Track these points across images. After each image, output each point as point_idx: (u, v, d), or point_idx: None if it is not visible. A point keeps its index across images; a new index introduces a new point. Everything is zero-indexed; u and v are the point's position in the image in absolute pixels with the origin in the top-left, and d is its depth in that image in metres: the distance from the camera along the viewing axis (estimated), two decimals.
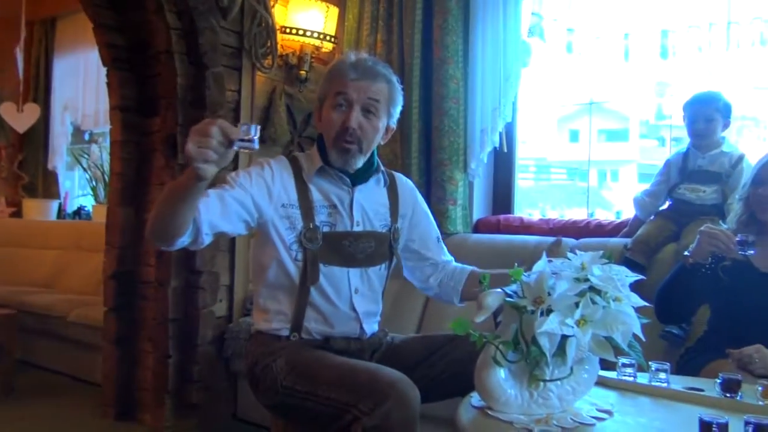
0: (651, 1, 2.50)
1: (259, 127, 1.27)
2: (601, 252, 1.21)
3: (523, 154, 3.35)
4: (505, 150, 2.91)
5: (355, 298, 1.69)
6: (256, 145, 1.27)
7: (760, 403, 1.27)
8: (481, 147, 2.84)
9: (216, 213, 1.50)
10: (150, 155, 2.89)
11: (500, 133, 2.84)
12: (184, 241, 1.47)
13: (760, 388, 1.29)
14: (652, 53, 2.50)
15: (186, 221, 1.43)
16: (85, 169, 4.96)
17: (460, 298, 1.80)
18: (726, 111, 2.24)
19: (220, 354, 2.80)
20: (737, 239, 1.67)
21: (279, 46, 2.96)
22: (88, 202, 5.15)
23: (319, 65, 3.17)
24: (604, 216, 2.99)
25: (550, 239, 2.46)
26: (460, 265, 1.84)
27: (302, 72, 3.04)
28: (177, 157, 2.71)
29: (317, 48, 3.05)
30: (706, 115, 2.23)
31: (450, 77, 2.82)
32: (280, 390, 1.56)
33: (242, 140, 1.25)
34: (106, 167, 4.20)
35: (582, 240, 2.50)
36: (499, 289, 1.21)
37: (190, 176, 1.28)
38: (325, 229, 1.65)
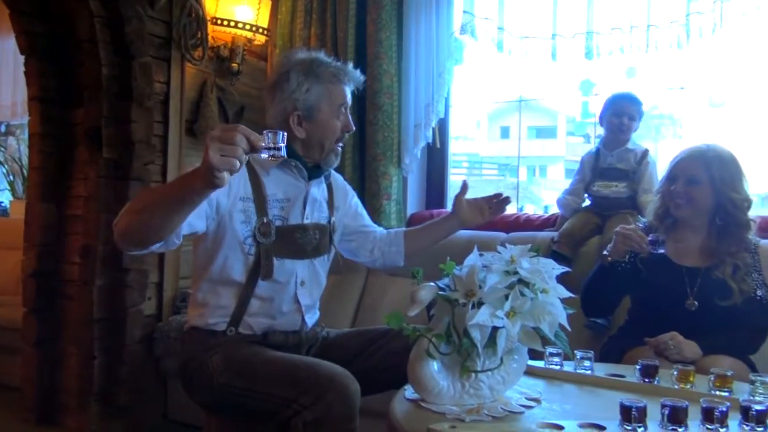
0: (577, 3, 2.58)
1: (285, 134, 1.19)
2: (530, 245, 1.25)
3: (456, 150, 3.40)
4: (438, 146, 2.95)
5: (299, 291, 1.70)
6: (284, 153, 1.19)
7: (676, 386, 1.34)
8: (414, 142, 2.87)
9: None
10: (72, 149, 2.77)
11: (433, 129, 2.87)
12: (160, 245, 1.41)
13: (675, 373, 1.36)
14: (578, 53, 2.59)
15: (177, 226, 1.38)
16: (1, 163, 4.71)
17: (403, 258, 1.95)
18: (641, 115, 2.39)
19: (150, 353, 2.72)
20: (649, 239, 1.77)
21: (210, 38, 2.88)
22: (5, 198, 4.89)
23: (251, 58, 3.12)
24: (532, 210, 3.07)
25: (482, 234, 2.53)
26: (390, 230, 1.99)
27: (234, 64, 2.98)
28: (102, 150, 2.61)
29: (250, 40, 2.99)
30: (630, 113, 2.35)
31: (384, 72, 2.83)
32: (216, 387, 1.54)
33: (269, 148, 1.17)
34: (25, 161, 4.01)
35: (512, 234, 2.56)
36: (431, 283, 1.24)
37: (205, 184, 1.17)
38: (278, 223, 1.66)
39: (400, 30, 2.88)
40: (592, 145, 2.51)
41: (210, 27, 2.87)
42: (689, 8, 2.39)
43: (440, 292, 1.22)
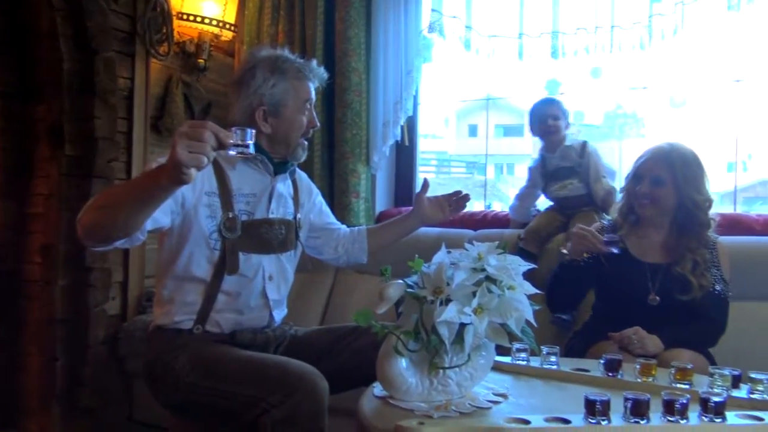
0: (543, 3, 2.62)
1: (253, 132, 1.23)
2: (497, 243, 1.26)
3: (425, 148, 3.42)
4: (407, 143, 2.96)
5: (268, 285, 1.70)
6: (252, 150, 1.22)
7: (638, 380, 1.37)
8: (383, 140, 2.87)
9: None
10: (33, 145, 2.70)
11: (402, 127, 2.88)
12: (123, 241, 1.40)
13: (637, 367, 1.39)
14: (544, 53, 2.62)
15: (143, 222, 1.37)
16: None
17: (366, 255, 1.97)
18: (566, 111, 2.44)
19: (114, 354, 2.67)
20: (604, 239, 1.82)
21: (175, 33, 2.84)
22: None
23: (218, 54, 3.08)
24: (500, 208, 3.10)
25: (450, 231, 2.55)
26: (354, 228, 2.01)
27: (201, 60, 2.94)
28: (64, 147, 2.55)
29: (216, 36, 2.96)
30: (553, 114, 2.41)
31: (352, 70, 2.82)
32: (182, 387, 1.53)
33: (237, 145, 1.20)
34: None
35: (479, 231, 2.58)
36: (400, 281, 1.24)
37: (172, 180, 1.18)
38: (244, 217, 1.65)
39: (369, 27, 2.88)
40: (538, 154, 2.56)
41: (175, 22, 2.83)
42: (652, 10, 2.44)
43: (408, 290, 1.23)
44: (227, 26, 2.94)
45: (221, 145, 1.17)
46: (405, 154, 3.09)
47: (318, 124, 1.78)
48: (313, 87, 1.75)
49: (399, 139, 2.89)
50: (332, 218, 2.00)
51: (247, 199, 1.67)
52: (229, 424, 1.52)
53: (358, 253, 1.96)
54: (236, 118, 1.70)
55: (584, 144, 2.38)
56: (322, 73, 1.78)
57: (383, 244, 1.98)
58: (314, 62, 1.77)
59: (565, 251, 1.93)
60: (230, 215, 1.62)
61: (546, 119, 2.41)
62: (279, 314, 1.77)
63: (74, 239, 2.51)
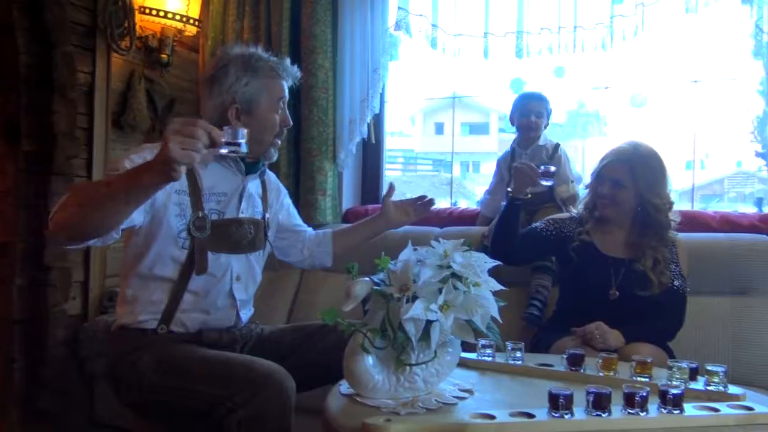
0: (508, 2, 2.65)
1: (246, 131, 1.23)
2: (462, 240, 1.27)
3: (392, 146, 3.43)
4: (374, 141, 2.96)
5: (235, 285, 1.68)
6: (245, 149, 1.23)
7: (600, 374, 1.40)
8: (349, 138, 2.87)
9: None
10: None
11: (368, 125, 2.88)
12: (97, 240, 1.37)
13: (599, 361, 1.42)
14: (509, 52, 2.65)
15: (123, 220, 1.35)
16: None
17: (331, 258, 1.98)
18: (550, 112, 2.48)
19: (75, 355, 2.61)
20: (540, 170, 1.92)
21: (138, 27, 2.78)
22: None
23: (182, 50, 3.04)
24: (466, 205, 3.13)
25: (416, 229, 2.56)
26: (319, 231, 2.01)
27: (164, 56, 2.89)
28: (21, 142, 2.48)
29: (180, 31, 2.91)
30: (537, 111, 2.43)
31: (319, 67, 2.81)
32: (146, 387, 1.51)
33: (229, 143, 1.21)
34: None
35: (445, 229, 2.60)
36: (366, 278, 1.24)
37: (160, 177, 1.19)
38: (214, 216, 1.63)
39: (335, 25, 2.88)
40: (509, 147, 2.59)
41: (138, 16, 2.77)
42: (613, 11, 2.49)
43: (375, 287, 1.23)
44: (191, 21, 2.90)
45: (213, 143, 1.18)
46: (372, 152, 3.10)
47: (291, 123, 1.76)
48: (286, 86, 1.73)
49: (366, 136, 2.89)
50: (299, 220, 1.99)
51: (218, 198, 1.65)
52: (194, 424, 1.51)
53: (323, 256, 1.97)
54: (207, 116, 1.66)
55: (557, 146, 2.40)
56: (296, 71, 1.76)
57: (349, 246, 1.98)
58: (288, 61, 1.75)
59: (509, 189, 2.01)
60: (200, 214, 1.60)
61: (529, 114, 2.43)
62: (246, 314, 1.76)
63: (32, 238, 2.48)
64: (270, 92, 1.68)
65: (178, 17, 2.83)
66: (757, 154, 3.45)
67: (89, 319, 2.67)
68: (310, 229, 2.00)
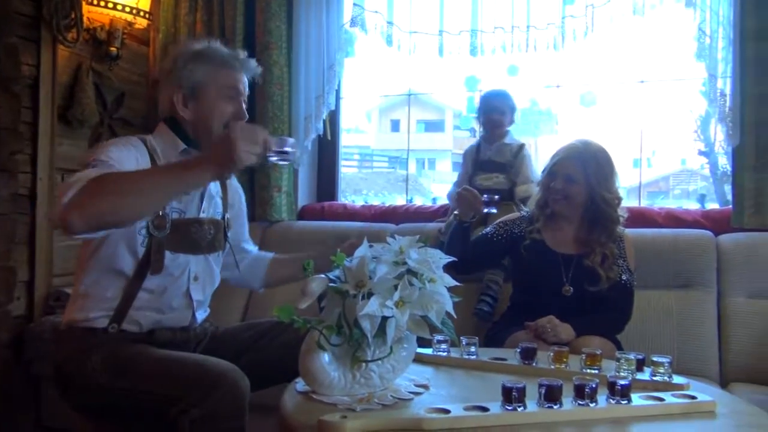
0: (463, 1, 2.68)
1: (293, 141, 1.32)
2: (418, 236, 1.28)
3: (348, 142, 3.42)
4: (329, 138, 2.95)
5: (192, 286, 1.65)
6: (293, 158, 1.36)
7: (552, 367, 1.43)
8: (305, 134, 2.85)
9: None
10: None
11: (324, 121, 2.87)
12: (115, 229, 1.42)
13: (551, 354, 1.45)
14: (463, 50, 2.68)
15: (158, 210, 1.47)
16: None
17: (261, 284, 1.89)
18: (513, 108, 2.52)
19: (19, 357, 2.53)
20: (483, 198, 1.98)
21: (85, 19, 2.70)
22: None
23: (132, 43, 2.96)
24: (421, 202, 3.16)
25: (372, 225, 2.57)
26: (261, 252, 1.93)
27: (113, 48, 2.81)
28: None
29: (130, 24, 2.84)
30: (500, 108, 2.48)
31: (274, 63, 2.79)
32: (95, 388, 1.47)
33: (278, 152, 1.30)
34: None
35: (401, 225, 2.62)
36: (322, 275, 1.24)
37: (214, 174, 1.32)
38: (174, 215, 1.60)
39: (290, 20, 2.85)
40: (476, 140, 2.62)
41: (85, 7, 2.69)
42: (564, 12, 2.55)
43: (331, 284, 1.23)
44: (142, 14, 2.83)
45: (266, 150, 1.28)
46: (327, 149, 3.09)
47: (246, 116, 1.67)
48: (241, 77, 1.66)
49: (321, 133, 2.88)
50: (247, 238, 1.92)
51: (180, 197, 1.61)
52: (145, 424, 1.48)
53: (254, 278, 1.89)
54: (160, 110, 1.65)
55: (521, 146, 2.45)
56: (254, 65, 1.71)
57: (283, 278, 1.87)
58: (244, 53, 1.71)
59: (456, 212, 2.06)
60: (160, 213, 1.56)
61: (493, 112, 2.46)
62: (201, 315, 1.72)
63: None
64: (218, 79, 1.63)
65: (127, 9, 2.76)
66: (700, 153, 3.58)
67: (35, 320, 2.59)
68: (255, 249, 1.93)
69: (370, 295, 1.17)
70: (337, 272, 1.24)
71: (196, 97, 1.62)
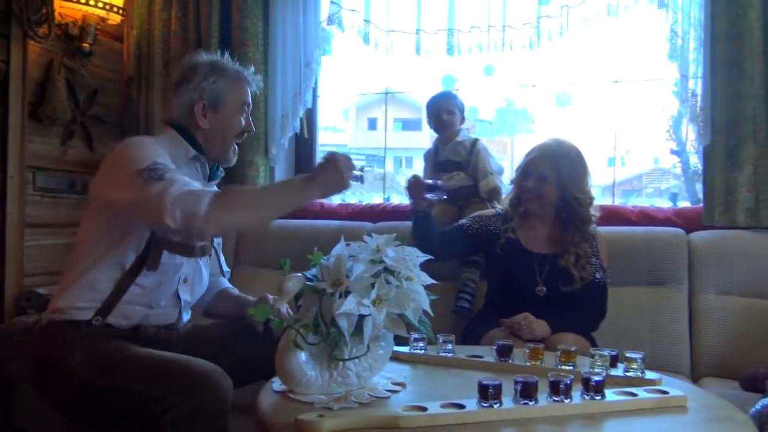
0: (439, 0, 2.69)
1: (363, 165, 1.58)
2: (395, 235, 1.29)
3: (325, 141, 3.41)
4: (306, 136, 2.94)
5: (181, 287, 1.68)
6: (362, 181, 1.56)
7: (527, 363, 1.45)
8: (282, 132, 2.84)
9: None
10: None
11: (301, 119, 2.86)
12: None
13: (527, 351, 1.47)
14: (440, 49, 2.69)
15: None
16: None
17: (203, 310, 1.88)
18: (462, 107, 2.54)
19: None
20: (429, 182, 2.01)
21: (57, 14, 2.65)
22: None
23: (105, 39, 2.92)
24: (398, 201, 3.16)
25: (349, 224, 2.57)
26: (221, 279, 1.92)
27: (85, 44, 2.76)
28: None
29: (103, 19, 2.79)
30: (448, 109, 2.49)
31: (250, 60, 2.76)
32: (78, 385, 1.47)
33: (357, 176, 1.52)
34: None
35: (378, 224, 2.62)
36: (299, 274, 1.23)
37: (322, 196, 1.56)
38: None
39: (267, 17, 2.84)
40: (432, 143, 2.64)
41: (57, 2, 2.64)
42: (540, 12, 2.57)
43: (308, 283, 1.23)
44: (115, 9, 2.79)
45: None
46: (304, 147, 3.07)
47: (254, 129, 1.80)
48: (250, 92, 1.76)
49: (298, 131, 2.87)
50: (221, 263, 1.91)
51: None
52: (126, 423, 1.48)
53: (200, 302, 1.84)
54: (175, 115, 1.69)
55: (474, 142, 2.47)
56: (259, 80, 1.81)
57: (222, 313, 1.85)
58: (252, 68, 1.80)
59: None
60: None
61: (441, 113, 2.48)
62: (186, 316, 1.75)
63: None
64: (236, 93, 1.72)
65: (100, 4, 2.72)
66: (672, 152, 3.64)
67: (5, 321, 2.54)
68: (224, 279, 1.92)
69: (347, 293, 1.17)
70: (314, 271, 1.24)
71: (216, 110, 1.69)
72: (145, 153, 1.52)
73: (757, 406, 1.37)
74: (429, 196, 1.99)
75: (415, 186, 2.03)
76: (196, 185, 1.51)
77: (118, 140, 3.01)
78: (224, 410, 1.38)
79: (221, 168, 1.79)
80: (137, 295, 1.59)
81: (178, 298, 1.68)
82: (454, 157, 2.47)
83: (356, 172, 1.50)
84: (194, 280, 1.72)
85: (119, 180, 1.51)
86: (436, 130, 2.54)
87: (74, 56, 2.78)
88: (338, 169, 1.47)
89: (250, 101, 1.77)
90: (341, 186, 1.50)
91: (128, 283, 1.58)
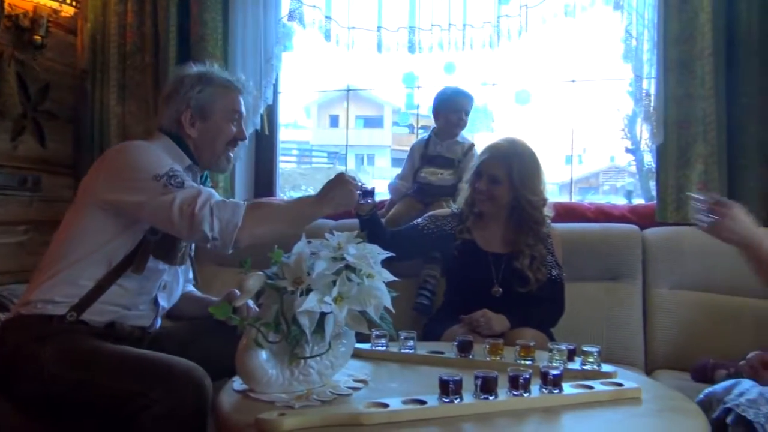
0: None
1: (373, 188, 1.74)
2: (356, 232, 1.29)
3: (286, 137, 3.39)
4: (267, 132, 2.91)
5: (160, 294, 1.70)
6: (371, 201, 1.79)
7: (487, 359, 1.47)
8: None
9: None
10: None
11: (261, 115, 2.83)
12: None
13: (486, 346, 1.49)
14: (401, 47, 2.70)
15: None
16: None
17: (167, 313, 1.85)
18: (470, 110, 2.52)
19: None
20: (360, 189, 1.87)
21: (6, 5, 2.57)
22: None
23: (58, 31, 2.83)
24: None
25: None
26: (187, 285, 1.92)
27: (37, 37, 2.67)
28: None
29: (55, 11, 2.71)
30: (467, 109, 2.47)
31: (209, 55, 2.72)
32: (48, 380, 1.45)
33: (365, 193, 1.70)
34: None
35: (340, 221, 2.61)
36: (260, 272, 1.22)
37: (330, 210, 1.63)
38: None
39: (226, 12, 2.80)
40: (415, 136, 2.63)
41: None
42: (500, 11, 2.60)
43: (268, 281, 1.22)
44: (68, 1, 2.72)
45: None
46: (265, 144, 3.04)
47: (246, 137, 1.81)
48: (242, 100, 1.77)
49: (258, 128, 2.84)
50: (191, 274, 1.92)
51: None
52: (98, 420, 1.46)
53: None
54: (164, 124, 1.71)
55: (472, 146, 2.45)
56: (251, 87, 1.84)
57: (186, 314, 1.86)
58: (243, 77, 1.83)
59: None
60: None
61: (460, 111, 2.44)
62: (159, 322, 1.76)
63: None
64: (224, 101, 1.72)
65: None
66: (627, 150, 3.73)
67: None
68: (188, 284, 1.91)
69: (308, 291, 1.17)
70: (274, 269, 1.23)
71: (204, 118, 1.70)
72: (159, 159, 1.57)
73: (701, 396, 1.41)
74: (362, 202, 1.86)
75: (350, 186, 1.98)
76: (218, 196, 1.57)
77: (71, 136, 2.96)
78: (205, 408, 1.38)
79: (207, 175, 1.81)
80: (117, 295, 1.60)
81: (156, 303, 1.70)
82: (448, 154, 2.45)
83: (363, 188, 1.65)
84: (172, 288, 1.75)
85: (131, 182, 1.54)
86: (443, 124, 2.47)
87: (25, 49, 2.69)
88: (346, 187, 1.59)
89: (243, 110, 1.77)
90: (350, 202, 1.63)
91: (111, 281, 1.58)
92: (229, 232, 1.49)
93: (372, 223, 2.01)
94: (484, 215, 2.06)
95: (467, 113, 2.47)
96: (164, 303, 1.73)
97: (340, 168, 3.49)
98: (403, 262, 2.20)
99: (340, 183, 1.61)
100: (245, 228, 1.51)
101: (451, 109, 2.47)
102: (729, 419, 1.21)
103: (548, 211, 2.05)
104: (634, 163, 3.72)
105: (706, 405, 1.35)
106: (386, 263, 1.29)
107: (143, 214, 1.55)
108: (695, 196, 1.62)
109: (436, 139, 2.52)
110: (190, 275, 1.93)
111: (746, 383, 1.40)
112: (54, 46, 2.81)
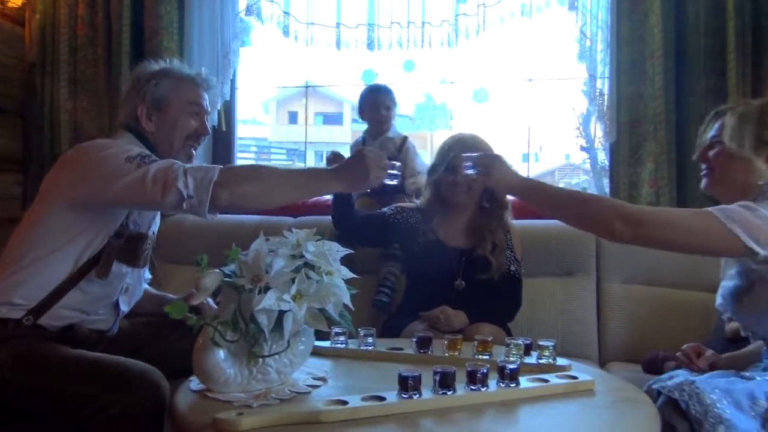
0: None
1: (400, 165, 1.61)
2: (315, 229, 1.28)
3: (244, 134, 3.35)
4: (224, 128, 2.87)
5: (121, 297, 1.67)
6: (396, 181, 1.58)
7: (446, 354, 1.48)
8: None
9: None
10: None
11: (219, 111, 2.79)
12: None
13: (445, 342, 1.50)
14: (360, 43, 2.70)
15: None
16: None
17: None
18: (396, 103, 2.55)
19: None
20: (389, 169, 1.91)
21: None
22: None
23: (5, 22, 2.74)
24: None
25: (269, 219, 2.53)
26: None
27: None
28: None
29: (2, 1, 2.62)
30: (386, 105, 2.51)
31: (164, 49, 2.67)
32: (2, 384, 1.41)
33: (392, 175, 1.55)
34: None
35: (299, 218, 2.59)
36: (217, 270, 1.21)
37: (343, 190, 1.66)
38: (132, 227, 1.62)
39: (182, 5, 2.75)
40: (360, 134, 2.64)
41: None
42: (457, 10, 2.63)
43: (226, 279, 1.20)
44: None
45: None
46: (222, 140, 3.00)
47: (209, 131, 1.75)
48: (203, 94, 1.72)
49: (216, 124, 2.80)
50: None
51: (139, 210, 1.62)
52: (52, 425, 1.42)
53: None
54: (122, 120, 1.68)
55: (404, 139, 2.46)
56: (214, 82, 1.80)
57: (143, 311, 1.83)
58: (205, 72, 1.77)
59: None
60: (124, 222, 1.59)
61: (380, 108, 2.47)
62: (116, 326, 1.72)
63: None
64: (181, 94, 1.68)
65: None
66: (582, 148, 3.81)
67: None
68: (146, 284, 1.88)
69: (266, 289, 1.16)
70: (232, 267, 1.22)
71: (160, 111, 1.66)
72: (126, 147, 1.53)
73: (646, 387, 1.46)
74: (388, 182, 1.91)
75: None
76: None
77: (20, 131, 2.87)
78: (161, 409, 1.36)
79: None
80: (77, 300, 1.55)
81: (117, 307, 1.67)
82: (383, 151, 2.46)
83: (391, 171, 1.53)
84: (134, 290, 1.72)
85: (104, 172, 1.47)
86: (369, 123, 2.52)
87: None
88: (365, 165, 1.49)
89: (205, 104, 1.72)
90: (366, 182, 1.51)
91: (70, 286, 1.54)
92: (204, 186, 1.40)
93: (345, 204, 2.04)
94: (451, 208, 2.07)
95: (388, 108, 2.51)
96: (125, 307, 1.70)
97: (300, 165, 3.46)
98: (366, 248, 2.22)
99: (358, 161, 1.51)
100: (224, 185, 1.42)
101: (372, 107, 2.51)
102: (658, 403, 1.26)
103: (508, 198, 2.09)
104: (589, 161, 3.80)
105: (653, 395, 1.39)
106: (354, 245, 1.29)
107: (114, 193, 1.46)
108: (465, 155, 1.71)
109: (369, 138, 2.55)
110: (147, 275, 1.89)
111: (683, 372, 1.46)
112: (1, 38, 2.71)
